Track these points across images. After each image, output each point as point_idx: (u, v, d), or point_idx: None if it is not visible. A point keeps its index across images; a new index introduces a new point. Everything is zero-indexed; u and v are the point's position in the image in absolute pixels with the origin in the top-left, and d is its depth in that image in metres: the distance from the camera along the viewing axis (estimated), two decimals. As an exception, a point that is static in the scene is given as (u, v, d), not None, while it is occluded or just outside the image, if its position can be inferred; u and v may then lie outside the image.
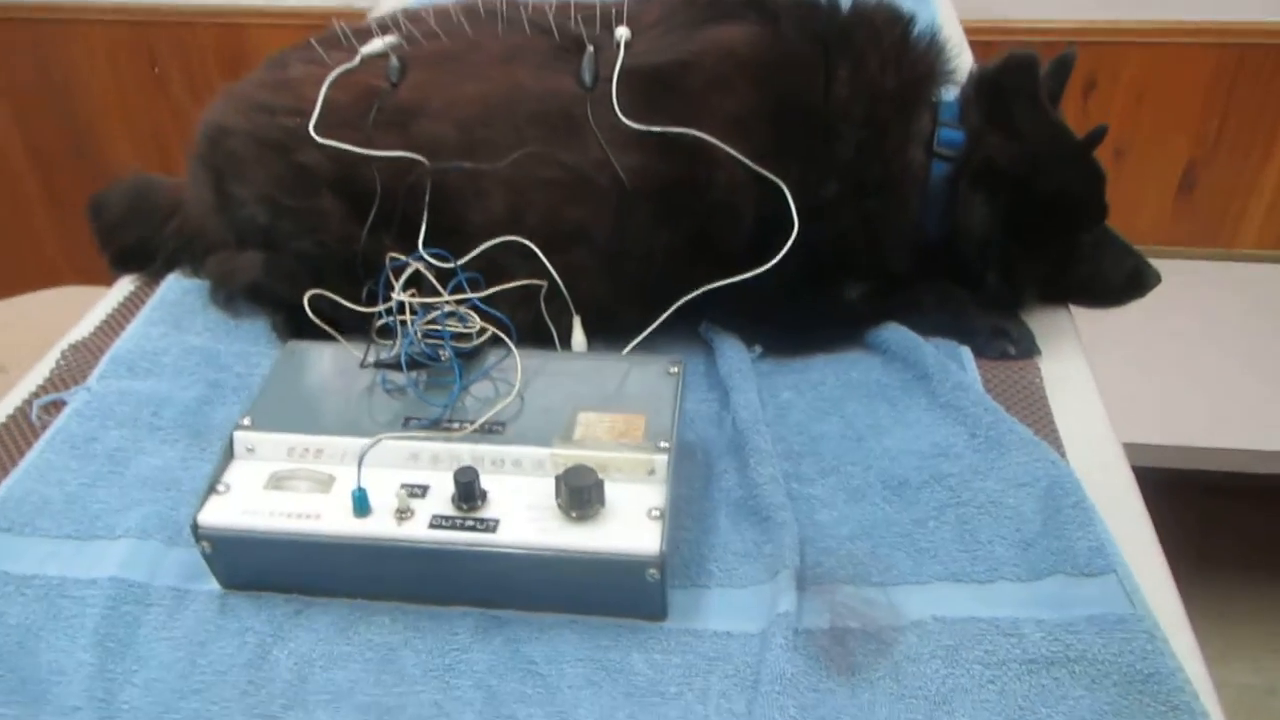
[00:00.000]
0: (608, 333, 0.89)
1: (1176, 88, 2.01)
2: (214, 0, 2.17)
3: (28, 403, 0.90)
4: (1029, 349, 0.91)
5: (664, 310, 0.87)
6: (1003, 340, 0.91)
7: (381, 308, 0.77)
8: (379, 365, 0.77)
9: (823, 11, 0.91)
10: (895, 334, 0.91)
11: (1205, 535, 2.02)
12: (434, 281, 0.77)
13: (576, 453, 0.70)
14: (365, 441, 0.71)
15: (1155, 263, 0.95)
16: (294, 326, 0.93)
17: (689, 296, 0.86)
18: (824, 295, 0.93)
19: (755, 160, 0.85)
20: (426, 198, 0.86)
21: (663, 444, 0.71)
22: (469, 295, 0.77)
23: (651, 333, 0.88)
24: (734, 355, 0.90)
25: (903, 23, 0.91)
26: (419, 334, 0.76)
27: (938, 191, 0.90)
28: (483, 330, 0.78)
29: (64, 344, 0.97)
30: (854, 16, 0.91)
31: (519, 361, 0.77)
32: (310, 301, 0.80)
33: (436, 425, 0.73)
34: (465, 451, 0.71)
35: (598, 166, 0.85)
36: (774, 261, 0.84)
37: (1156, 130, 2.05)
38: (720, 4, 0.91)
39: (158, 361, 0.93)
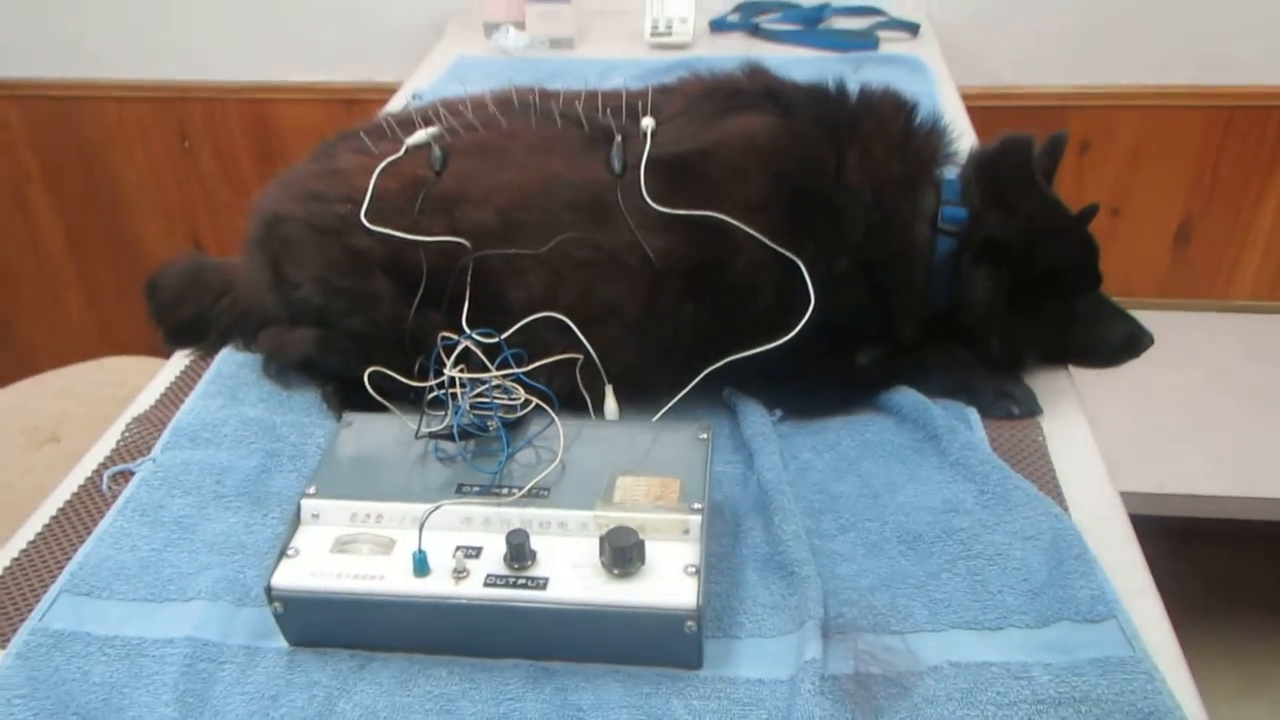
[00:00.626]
0: (637, 399, 0.96)
1: (1169, 147, 2.09)
2: (241, 77, 2.27)
3: (97, 473, 0.96)
4: (1031, 409, 0.98)
5: (691, 379, 0.94)
6: (1007, 401, 0.98)
7: (434, 382, 0.84)
8: (433, 436, 0.83)
9: (833, 101, 0.99)
10: (906, 397, 0.97)
11: (1222, 579, 2.08)
12: (483, 358, 0.84)
13: (617, 514, 0.77)
14: (422, 507, 0.77)
15: (1154, 314, 1.02)
16: (343, 397, 1.00)
17: (714, 366, 0.93)
18: (839, 362, 1.00)
19: (773, 240, 0.92)
20: (469, 278, 0.93)
21: (696, 505, 0.77)
22: (514, 370, 0.84)
23: (679, 399, 0.95)
24: (756, 419, 0.96)
25: (906, 110, 0.98)
26: (468, 406, 0.83)
27: (942, 264, 0.97)
28: (526, 402, 0.85)
29: (127, 416, 1.04)
30: (861, 105, 0.98)
31: (561, 430, 0.84)
32: (368, 376, 0.87)
33: (488, 491, 0.79)
34: (515, 515, 0.78)
35: (628, 248, 0.92)
36: (793, 334, 0.90)
37: (1151, 188, 2.13)
38: (739, 95, 0.99)
39: (218, 432, 0.99)
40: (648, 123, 0.97)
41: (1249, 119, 2.04)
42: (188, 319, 1.13)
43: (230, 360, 1.10)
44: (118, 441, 1.00)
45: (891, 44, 1.88)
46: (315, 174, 1.01)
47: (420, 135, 0.99)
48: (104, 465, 0.97)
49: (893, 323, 0.98)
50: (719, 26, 1.99)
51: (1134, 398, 1.82)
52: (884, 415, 0.98)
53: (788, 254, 0.92)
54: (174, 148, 2.35)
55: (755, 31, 1.96)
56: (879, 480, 0.91)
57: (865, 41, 1.87)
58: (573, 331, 0.91)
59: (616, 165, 0.94)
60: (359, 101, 2.22)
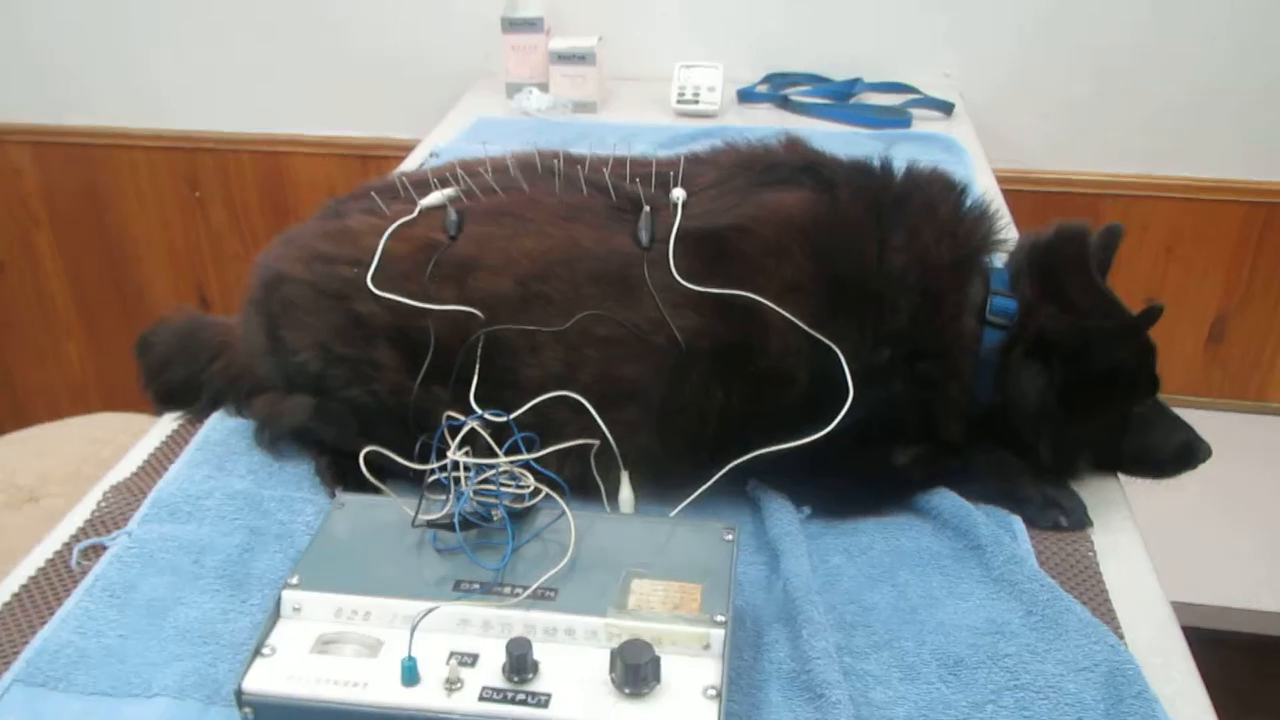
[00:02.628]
0: (655, 489, 0.89)
1: (1205, 241, 2.03)
2: (254, 129, 2.23)
3: (67, 547, 0.89)
4: (1081, 520, 0.90)
5: (715, 470, 0.87)
6: (1055, 511, 0.90)
7: (435, 465, 0.77)
8: (431, 525, 0.76)
9: (878, 179, 0.92)
10: (945, 500, 0.90)
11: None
12: (490, 441, 0.77)
13: (631, 623, 0.69)
14: (415, 605, 0.70)
15: (1185, 413, 0.95)
16: (338, 471, 0.93)
17: (742, 459, 0.86)
18: (875, 459, 0.92)
19: (810, 325, 0.85)
20: (479, 352, 0.86)
21: (719, 617, 0.69)
22: (524, 456, 0.77)
23: (700, 492, 0.87)
24: (783, 517, 0.88)
25: (955, 192, 0.92)
26: (472, 493, 0.76)
27: (989, 359, 0.90)
28: (536, 490, 0.78)
29: (105, 485, 0.97)
30: (908, 184, 0.92)
31: (572, 523, 0.76)
32: (364, 455, 0.80)
33: (488, 590, 0.71)
34: (517, 619, 0.70)
35: (654, 326, 0.85)
36: (830, 427, 0.83)
37: (1185, 283, 2.07)
38: (776, 169, 0.92)
39: (200, 505, 0.92)
40: (678, 193, 0.91)
41: (1288, 216, 1.98)
42: (179, 380, 1.06)
43: (220, 426, 1.03)
44: (92, 512, 0.93)
45: (925, 122, 1.84)
46: (322, 233, 0.94)
47: (435, 196, 0.93)
48: (75, 538, 0.90)
49: (934, 420, 0.91)
50: (747, 97, 1.95)
51: (1175, 501, 1.73)
52: (921, 519, 0.91)
53: (825, 340, 0.85)
54: (185, 197, 2.31)
55: (784, 104, 1.91)
56: (916, 592, 0.83)
57: (898, 119, 1.82)
58: (589, 414, 0.84)
59: (644, 237, 0.88)
60: (375, 158, 2.18)
